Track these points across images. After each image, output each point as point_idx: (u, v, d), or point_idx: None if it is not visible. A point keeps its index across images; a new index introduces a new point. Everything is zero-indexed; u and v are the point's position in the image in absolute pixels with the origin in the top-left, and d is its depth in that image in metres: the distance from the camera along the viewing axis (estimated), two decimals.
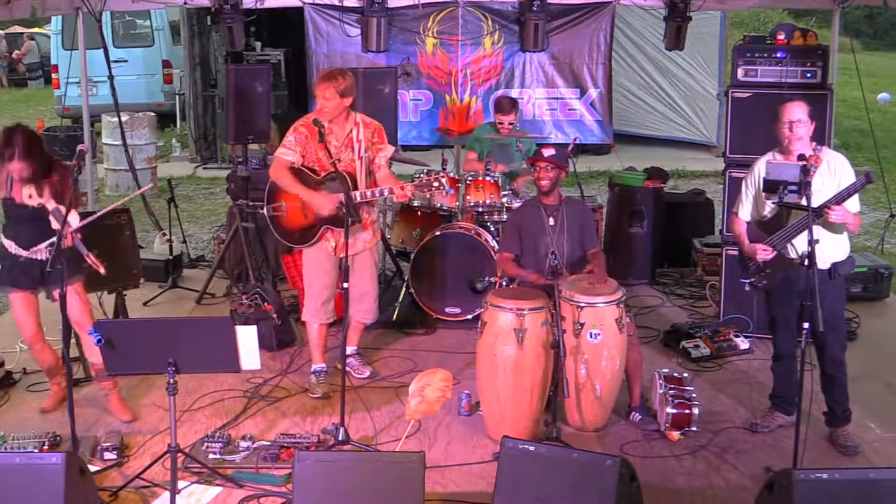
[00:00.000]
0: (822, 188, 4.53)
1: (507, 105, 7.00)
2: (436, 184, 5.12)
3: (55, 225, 4.65)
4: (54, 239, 4.63)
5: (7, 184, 4.80)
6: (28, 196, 4.77)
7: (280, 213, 5.41)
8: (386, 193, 5.24)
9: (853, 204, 4.50)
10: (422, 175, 6.70)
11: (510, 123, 6.92)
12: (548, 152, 5.28)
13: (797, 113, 4.57)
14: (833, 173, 4.59)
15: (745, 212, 4.84)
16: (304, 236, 5.37)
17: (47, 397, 5.20)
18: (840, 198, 4.41)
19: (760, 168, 4.72)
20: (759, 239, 4.67)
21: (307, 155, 5.25)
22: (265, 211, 5.52)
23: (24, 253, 4.85)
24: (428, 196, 5.41)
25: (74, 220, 4.73)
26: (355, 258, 5.26)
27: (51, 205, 4.70)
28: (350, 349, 5.53)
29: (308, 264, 5.45)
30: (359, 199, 5.12)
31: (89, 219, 4.88)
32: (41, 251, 4.82)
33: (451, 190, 5.30)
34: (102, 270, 4.80)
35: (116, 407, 5.05)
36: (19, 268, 4.89)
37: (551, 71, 8.63)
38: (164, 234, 7.73)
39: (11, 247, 4.88)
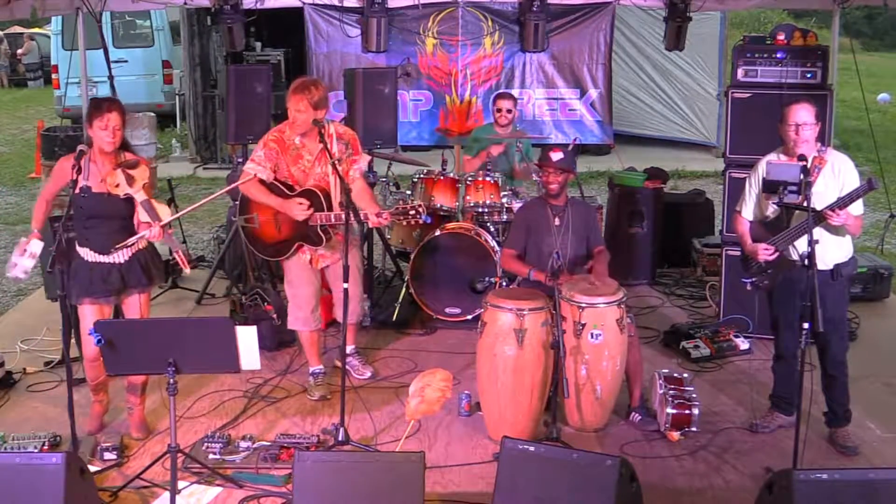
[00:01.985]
0: (825, 190, 4.53)
1: (506, 94, 7.15)
2: (412, 212, 5.00)
3: (144, 217, 4.54)
4: (145, 233, 4.54)
5: (86, 169, 4.46)
6: (115, 185, 4.50)
7: (253, 224, 5.32)
8: (363, 218, 5.12)
9: (856, 207, 4.49)
10: (416, 182, 6.72)
11: (508, 111, 6.94)
12: (556, 156, 5.22)
13: (803, 116, 4.56)
14: (836, 175, 4.58)
15: (748, 211, 4.84)
16: (277, 251, 5.31)
17: (90, 418, 4.90)
18: (842, 203, 4.40)
19: (763, 167, 4.72)
20: (763, 239, 4.67)
21: (279, 170, 5.17)
22: (238, 221, 5.42)
23: (100, 258, 4.59)
24: (405, 223, 5.35)
25: (165, 213, 4.60)
26: (335, 266, 5.23)
27: (140, 196, 4.53)
28: (349, 348, 5.53)
29: (291, 275, 5.36)
30: (333, 220, 5.03)
31: (181, 213, 4.84)
32: (121, 253, 4.59)
33: (428, 219, 5.26)
34: (188, 269, 4.76)
35: (135, 424, 4.89)
36: (96, 276, 4.60)
37: (551, 71, 8.63)
38: None
39: (87, 254, 4.61)
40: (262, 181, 5.14)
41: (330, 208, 5.05)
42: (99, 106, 4.57)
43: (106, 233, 4.57)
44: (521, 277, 5.40)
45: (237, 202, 6.96)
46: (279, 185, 5.17)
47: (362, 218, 5.08)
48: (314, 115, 5.01)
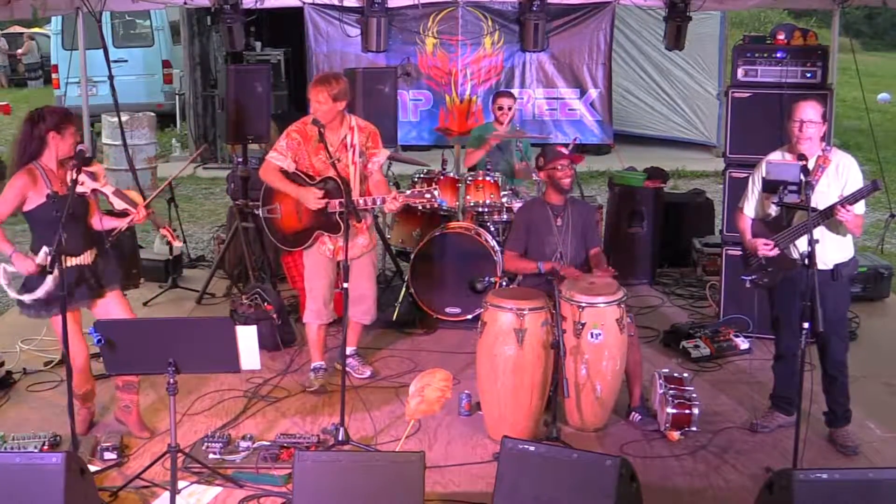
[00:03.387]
0: (828, 190, 4.54)
1: (506, 92, 7.21)
2: (427, 195, 5.08)
3: (119, 206, 4.56)
4: (131, 217, 4.58)
5: (44, 178, 4.46)
6: (80, 183, 4.47)
7: (275, 215, 5.39)
8: (378, 203, 5.22)
9: (858, 206, 4.50)
10: (416, 181, 6.72)
11: (508, 108, 6.97)
12: (564, 150, 5.30)
13: (809, 113, 4.57)
14: (840, 175, 4.59)
15: (750, 208, 4.85)
16: (297, 240, 5.36)
17: (77, 421, 4.63)
18: (846, 201, 4.41)
19: (764, 166, 4.72)
20: (764, 236, 4.67)
21: (300, 160, 5.25)
22: (260, 213, 5.50)
23: (71, 261, 4.51)
24: (419, 206, 5.45)
25: (137, 196, 4.67)
26: (353, 262, 5.26)
27: (109, 188, 4.56)
28: (349, 349, 5.53)
29: (308, 267, 5.46)
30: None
31: (154, 193, 4.86)
32: (86, 255, 4.57)
33: (442, 202, 5.30)
34: (178, 243, 4.82)
35: (134, 423, 4.87)
36: (71, 279, 4.49)
37: (551, 71, 8.64)
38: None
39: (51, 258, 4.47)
40: (283, 171, 5.23)
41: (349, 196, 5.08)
42: (69, 115, 4.62)
43: (76, 235, 4.53)
44: (529, 273, 5.35)
45: (237, 202, 7.01)
46: (301, 175, 5.24)
47: (380, 202, 5.18)
48: (334, 107, 5.12)
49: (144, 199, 4.91)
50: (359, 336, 5.69)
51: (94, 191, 4.57)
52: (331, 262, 5.39)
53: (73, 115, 4.69)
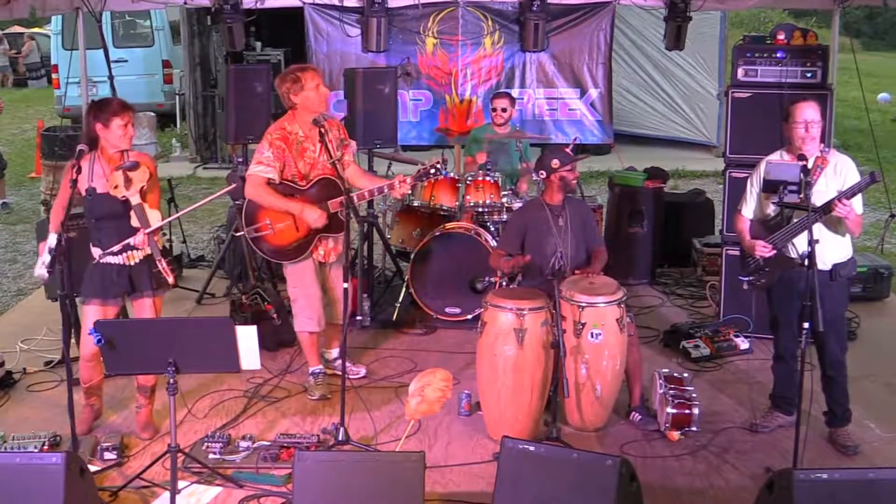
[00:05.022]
0: (826, 190, 4.54)
1: (503, 93, 7.19)
2: (433, 170, 5.05)
3: (134, 222, 4.50)
4: (130, 240, 4.51)
5: (90, 170, 4.43)
6: (114, 186, 4.47)
7: (266, 231, 5.17)
8: (386, 190, 5.20)
9: (857, 205, 4.50)
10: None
11: (503, 110, 6.95)
12: (567, 150, 5.34)
13: (811, 113, 4.58)
14: (838, 175, 4.60)
15: (748, 210, 4.85)
16: (298, 250, 5.19)
17: (78, 421, 4.61)
18: (845, 195, 4.41)
19: (764, 167, 4.73)
20: (762, 237, 4.68)
21: (286, 168, 5.11)
22: (246, 233, 5.24)
23: (111, 259, 4.56)
24: (425, 182, 5.42)
25: (156, 219, 4.55)
26: (333, 266, 5.29)
27: (135, 199, 4.49)
28: (334, 352, 5.54)
29: (300, 276, 5.26)
30: (356, 200, 5.06)
31: (169, 218, 4.77)
32: (131, 255, 4.55)
33: (447, 172, 5.27)
34: (171, 280, 4.57)
35: (142, 423, 4.86)
36: (107, 277, 4.58)
37: (551, 71, 8.63)
38: (164, 235, 7.72)
39: (98, 254, 4.59)
40: (269, 182, 5.08)
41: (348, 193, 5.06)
42: (123, 105, 4.59)
43: (115, 233, 4.54)
44: (529, 273, 5.36)
45: (238, 202, 6.98)
46: (288, 183, 5.14)
47: (387, 189, 5.17)
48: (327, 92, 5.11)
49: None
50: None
51: (124, 198, 4.51)
52: (320, 267, 5.32)
53: (125, 106, 4.58)
